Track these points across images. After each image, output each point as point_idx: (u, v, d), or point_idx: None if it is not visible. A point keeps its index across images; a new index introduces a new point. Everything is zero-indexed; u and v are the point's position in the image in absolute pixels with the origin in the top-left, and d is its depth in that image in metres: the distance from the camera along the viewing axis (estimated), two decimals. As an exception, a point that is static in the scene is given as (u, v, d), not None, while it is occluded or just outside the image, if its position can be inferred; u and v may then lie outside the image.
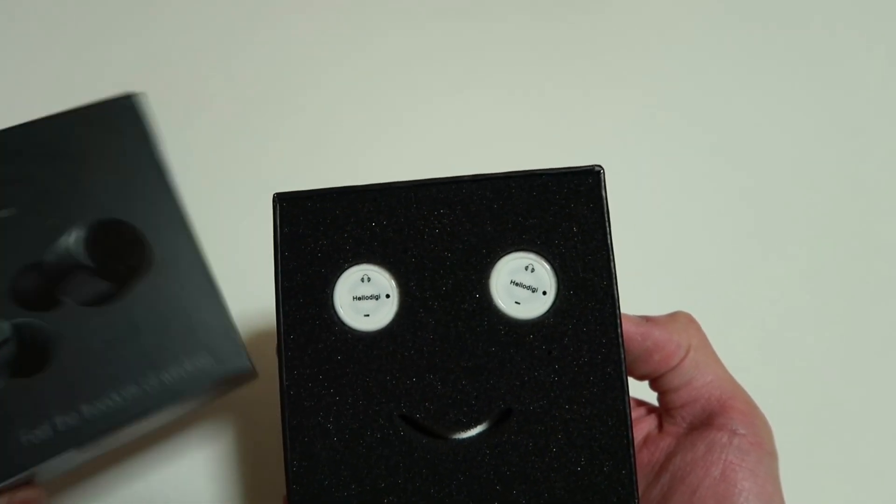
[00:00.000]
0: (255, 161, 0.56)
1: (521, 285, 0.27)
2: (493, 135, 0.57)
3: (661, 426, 0.29)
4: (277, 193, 0.27)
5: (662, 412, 0.30)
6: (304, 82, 0.62)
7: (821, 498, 0.39)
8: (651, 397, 0.31)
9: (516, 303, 0.27)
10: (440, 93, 0.61)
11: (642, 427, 0.30)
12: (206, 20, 0.66)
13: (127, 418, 0.30)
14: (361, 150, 0.57)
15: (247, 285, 0.49)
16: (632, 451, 0.26)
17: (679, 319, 0.29)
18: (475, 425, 0.27)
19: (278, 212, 0.27)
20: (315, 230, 0.27)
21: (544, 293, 0.27)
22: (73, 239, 0.32)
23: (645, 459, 0.29)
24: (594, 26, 0.64)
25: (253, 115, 0.59)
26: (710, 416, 0.28)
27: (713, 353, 0.29)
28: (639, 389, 0.31)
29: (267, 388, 0.45)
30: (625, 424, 0.26)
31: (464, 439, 0.27)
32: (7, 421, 0.29)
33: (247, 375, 0.34)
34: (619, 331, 0.26)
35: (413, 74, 0.62)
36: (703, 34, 0.64)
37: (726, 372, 0.29)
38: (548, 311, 0.27)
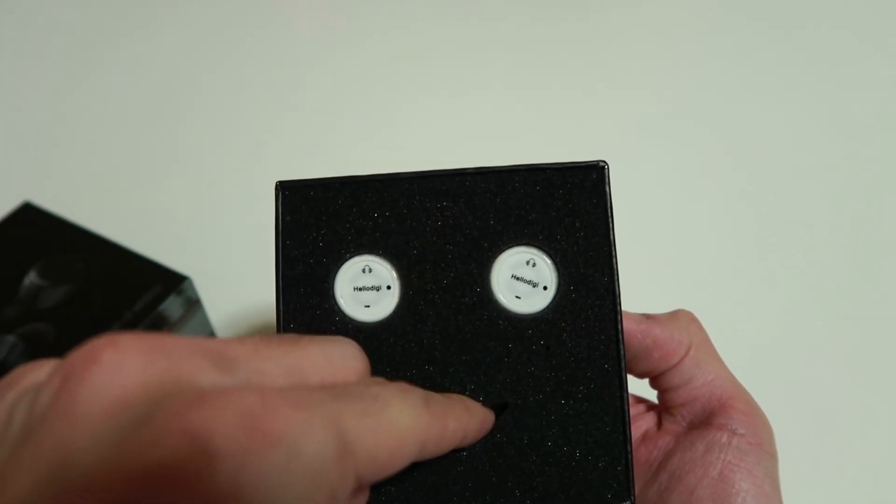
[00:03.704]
0: (253, 156, 0.56)
1: (522, 280, 0.27)
2: (496, 133, 0.57)
3: (660, 424, 0.29)
4: (280, 182, 0.27)
5: (662, 410, 0.30)
6: (305, 79, 0.61)
7: (822, 499, 0.39)
8: (652, 395, 0.31)
9: (517, 297, 0.27)
10: (443, 91, 0.60)
11: (641, 424, 0.30)
12: (208, 17, 0.66)
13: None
14: (363, 148, 0.57)
15: (247, 281, 0.49)
16: (628, 448, 0.26)
17: (680, 318, 0.29)
18: None
19: (280, 200, 0.27)
20: (317, 220, 0.27)
21: (545, 288, 0.27)
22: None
23: (643, 457, 0.29)
24: (598, 26, 0.64)
25: (252, 110, 0.59)
26: (710, 416, 0.28)
27: (714, 352, 0.29)
28: (639, 387, 0.31)
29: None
30: (621, 421, 0.26)
31: None
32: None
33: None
34: (619, 327, 0.26)
35: (416, 73, 0.62)
36: (706, 35, 0.65)
37: (727, 371, 0.29)
38: (548, 307, 0.27)
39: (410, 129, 0.58)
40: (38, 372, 0.17)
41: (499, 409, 0.27)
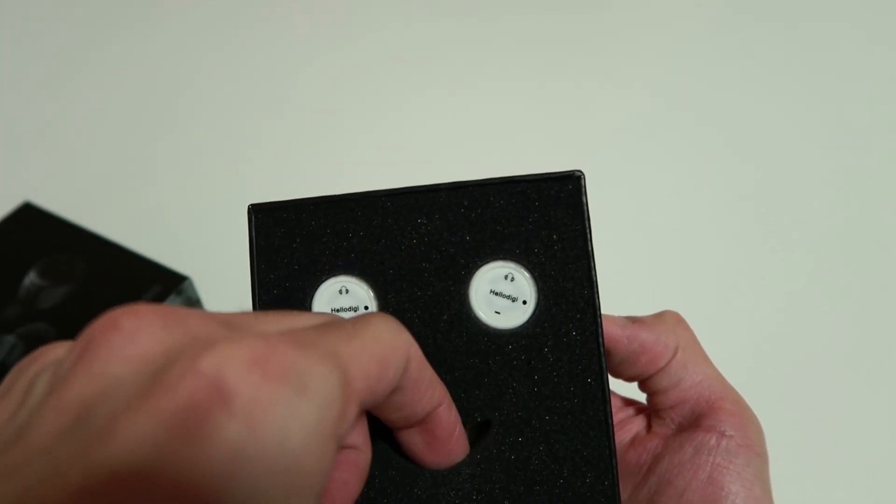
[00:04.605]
0: (253, 156, 0.56)
1: (501, 295, 0.26)
2: (495, 133, 0.57)
3: (649, 427, 0.29)
4: (252, 205, 0.26)
5: (651, 413, 0.29)
6: (302, 79, 0.62)
7: (820, 499, 0.39)
8: (641, 397, 0.31)
9: (496, 312, 0.26)
10: (438, 91, 0.60)
11: (630, 428, 0.29)
12: (206, 17, 0.66)
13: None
14: (362, 144, 0.57)
15: (247, 281, 0.49)
16: (614, 463, 0.25)
17: (666, 319, 0.28)
18: None
19: (254, 224, 0.26)
20: (291, 242, 0.26)
21: (524, 302, 0.26)
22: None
23: (633, 461, 0.28)
24: (597, 24, 0.64)
25: (251, 111, 0.59)
26: (699, 418, 0.27)
27: (702, 353, 0.28)
28: (629, 389, 0.31)
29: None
30: (606, 435, 0.26)
31: None
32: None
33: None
34: (600, 340, 0.26)
35: (409, 72, 0.62)
36: (706, 33, 0.64)
37: (716, 371, 0.28)
38: (528, 321, 0.26)
39: (409, 125, 0.58)
40: (60, 348, 0.19)
41: (483, 427, 0.26)
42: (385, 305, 0.26)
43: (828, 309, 0.47)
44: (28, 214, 0.45)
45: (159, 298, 0.41)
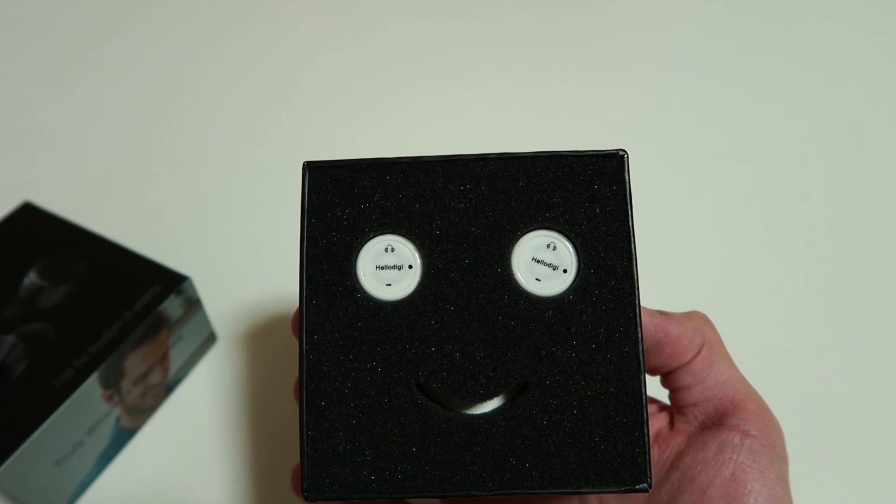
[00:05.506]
0: (253, 156, 0.56)
1: (543, 262, 0.27)
2: (493, 132, 0.57)
3: (672, 424, 0.29)
4: (307, 162, 0.28)
5: (674, 410, 0.30)
6: (304, 80, 0.61)
7: (824, 500, 0.39)
8: (663, 396, 0.31)
9: (537, 279, 0.27)
10: (440, 89, 0.60)
11: (654, 424, 0.30)
12: (206, 15, 0.65)
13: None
14: (364, 146, 0.57)
15: (246, 280, 0.49)
16: (646, 430, 0.26)
17: (694, 318, 0.29)
18: (492, 396, 0.27)
19: (307, 179, 0.28)
20: (342, 199, 0.28)
21: (565, 271, 0.27)
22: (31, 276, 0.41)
23: (655, 457, 0.29)
24: (598, 23, 0.64)
25: (252, 110, 0.59)
26: (723, 417, 0.28)
27: (727, 354, 0.29)
28: (652, 389, 0.31)
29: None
30: (640, 403, 0.26)
31: (479, 414, 0.27)
32: None
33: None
34: (638, 311, 0.27)
35: (412, 71, 0.61)
36: (707, 30, 0.65)
37: (739, 373, 0.29)
38: (568, 289, 0.27)
39: (411, 126, 0.57)
40: None
41: (519, 388, 0.27)
42: (429, 265, 0.27)
43: (837, 313, 0.47)
44: (28, 214, 0.44)
45: (159, 298, 0.40)
